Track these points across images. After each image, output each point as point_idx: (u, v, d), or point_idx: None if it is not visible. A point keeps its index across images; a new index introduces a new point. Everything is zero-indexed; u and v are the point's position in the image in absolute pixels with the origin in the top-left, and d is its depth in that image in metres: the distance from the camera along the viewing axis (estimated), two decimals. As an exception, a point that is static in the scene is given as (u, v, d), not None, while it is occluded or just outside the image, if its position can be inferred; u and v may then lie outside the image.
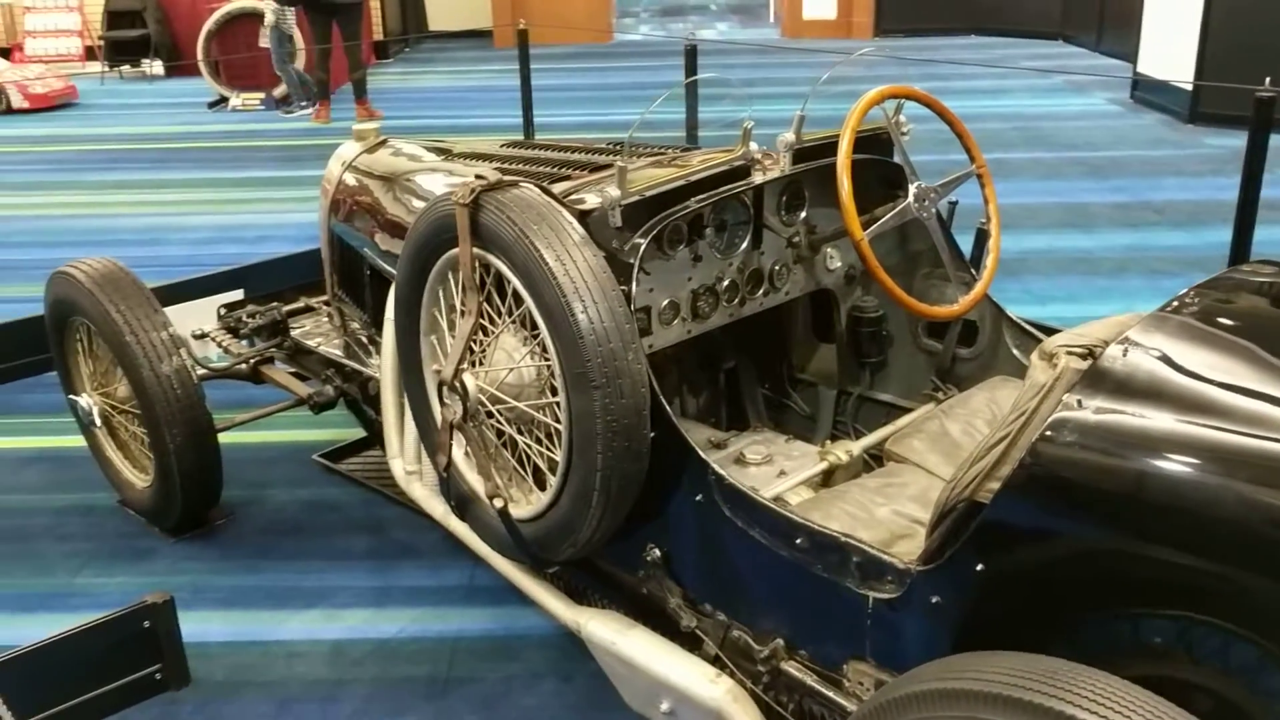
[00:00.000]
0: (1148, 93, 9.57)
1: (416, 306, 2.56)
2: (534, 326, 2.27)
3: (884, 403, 3.09)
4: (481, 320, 2.38)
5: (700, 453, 2.20)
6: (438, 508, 2.88)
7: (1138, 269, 5.66)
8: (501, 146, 3.30)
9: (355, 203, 3.27)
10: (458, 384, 2.37)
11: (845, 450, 2.65)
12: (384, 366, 3.04)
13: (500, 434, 2.44)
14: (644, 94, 10.73)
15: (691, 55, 5.27)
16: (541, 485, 2.40)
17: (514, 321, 2.34)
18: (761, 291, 2.75)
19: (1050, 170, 7.63)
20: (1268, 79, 3.78)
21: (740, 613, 2.24)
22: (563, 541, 2.32)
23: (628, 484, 2.21)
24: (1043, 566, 1.72)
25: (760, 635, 2.20)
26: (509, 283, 2.30)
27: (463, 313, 2.37)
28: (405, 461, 2.98)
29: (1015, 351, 2.83)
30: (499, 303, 2.37)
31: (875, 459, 2.72)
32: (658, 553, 2.35)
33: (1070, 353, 1.77)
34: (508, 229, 2.21)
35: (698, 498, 2.21)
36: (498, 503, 2.38)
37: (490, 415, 2.40)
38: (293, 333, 3.67)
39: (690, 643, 2.34)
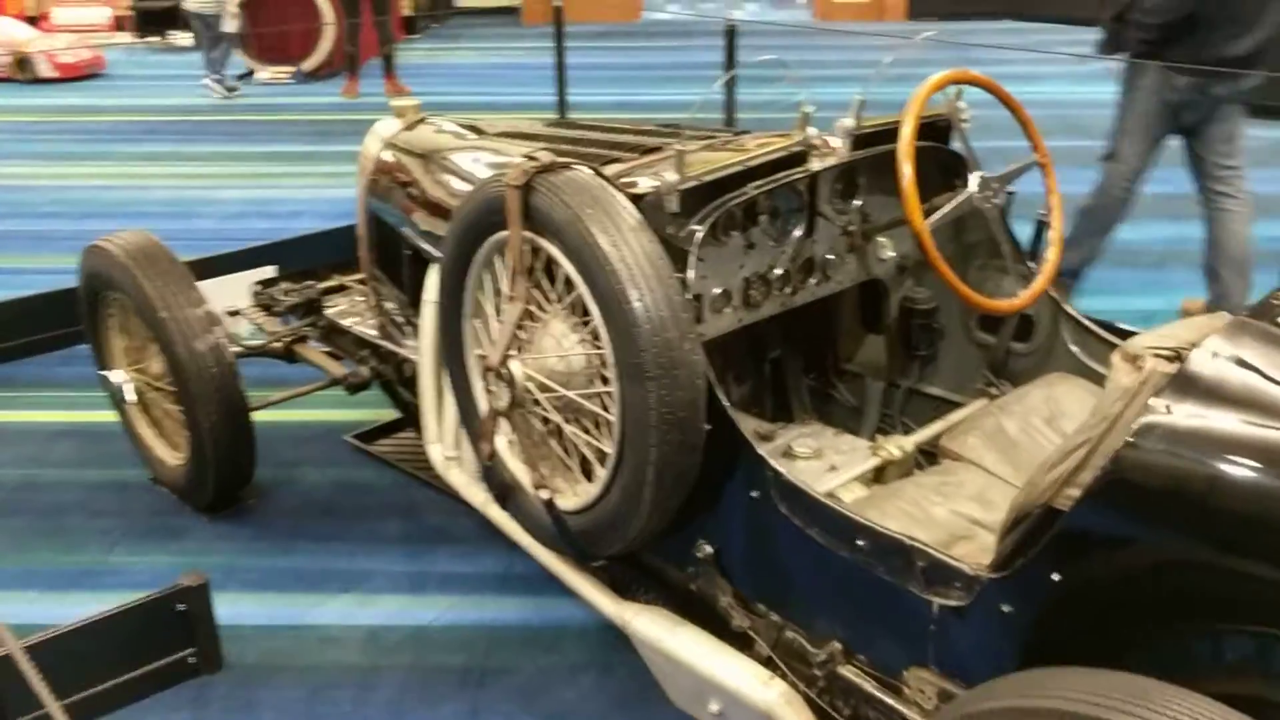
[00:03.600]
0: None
1: (460, 289, 2.50)
2: (585, 313, 2.20)
3: (933, 397, 3.02)
4: (529, 306, 2.31)
5: (757, 448, 2.13)
6: (477, 495, 2.82)
7: (1180, 261, 5.54)
8: (545, 126, 3.23)
9: (394, 181, 3.20)
10: (504, 370, 2.31)
11: (898, 445, 2.57)
12: (422, 349, 2.97)
13: (547, 422, 2.38)
14: (676, 75, 10.64)
15: (730, 36, 5.18)
16: (589, 477, 2.34)
17: (564, 308, 2.27)
18: (814, 281, 2.67)
19: (1090, 160, 7.49)
20: None
21: (795, 614, 2.18)
22: (611, 536, 2.26)
23: (681, 479, 2.14)
24: (1122, 578, 1.65)
25: (816, 638, 2.14)
26: (560, 268, 2.23)
27: (511, 297, 2.30)
28: (444, 447, 2.92)
29: (1073, 348, 2.74)
30: (548, 288, 2.30)
31: (928, 455, 2.65)
32: (709, 549, 2.28)
33: (1157, 355, 1.69)
34: (561, 212, 2.14)
35: (753, 494, 2.15)
36: (544, 494, 2.32)
37: (537, 403, 2.33)
38: (327, 311, 3.61)
39: (741, 643, 2.28)
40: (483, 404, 2.54)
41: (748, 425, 2.86)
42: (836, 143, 2.55)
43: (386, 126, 3.42)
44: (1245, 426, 1.55)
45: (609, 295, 2.07)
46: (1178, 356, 1.68)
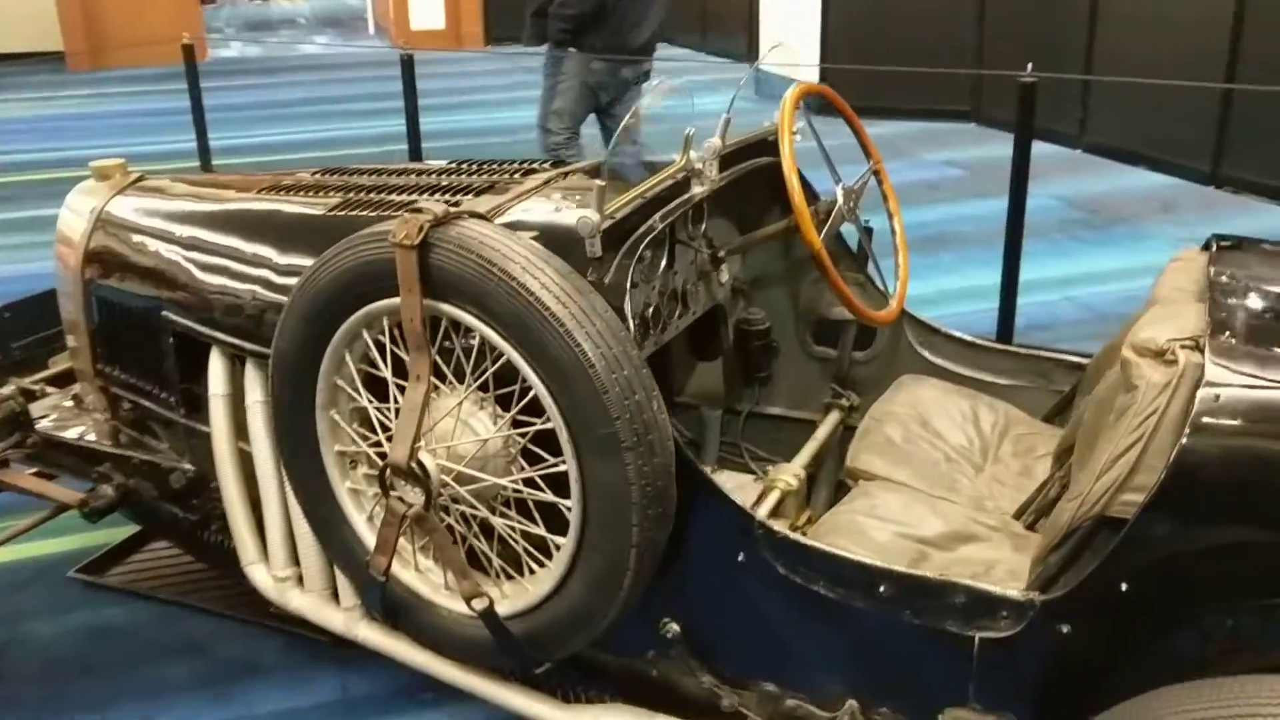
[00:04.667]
0: (775, 88, 10.11)
1: (311, 376, 2.07)
2: (500, 386, 1.89)
3: (775, 417, 2.94)
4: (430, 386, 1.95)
5: (741, 505, 1.92)
6: (334, 616, 2.36)
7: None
8: (314, 175, 2.79)
9: (135, 258, 2.62)
10: (415, 466, 1.93)
11: (793, 475, 2.45)
12: (219, 453, 2.45)
13: (466, 520, 2.02)
14: (305, 111, 10.00)
15: (409, 67, 4.84)
16: (521, 572, 2.01)
17: (463, 385, 1.94)
18: (679, 314, 2.49)
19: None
20: (1030, 64, 3.99)
21: (797, 679, 1.99)
22: (573, 634, 1.96)
23: (656, 555, 1.89)
24: (1199, 574, 1.62)
25: (826, 701, 1.96)
26: (461, 339, 1.90)
27: (415, 376, 1.93)
28: (274, 567, 2.43)
29: (921, 349, 2.77)
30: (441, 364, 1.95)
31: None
32: (676, 628, 2.04)
33: (1184, 347, 1.68)
34: (478, 272, 1.81)
35: (739, 558, 1.93)
36: (478, 604, 1.96)
37: (456, 500, 1.98)
38: (39, 425, 2.91)
39: (732, 723, 2.06)
40: (358, 513, 2.13)
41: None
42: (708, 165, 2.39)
43: (87, 194, 2.81)
44: None
45: (563, 361, 1.78)
46: (1197, 345, 1.69)
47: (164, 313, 2.55)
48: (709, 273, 2.62)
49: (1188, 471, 1.58)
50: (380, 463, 2.03)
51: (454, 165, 2.73)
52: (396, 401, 2.00)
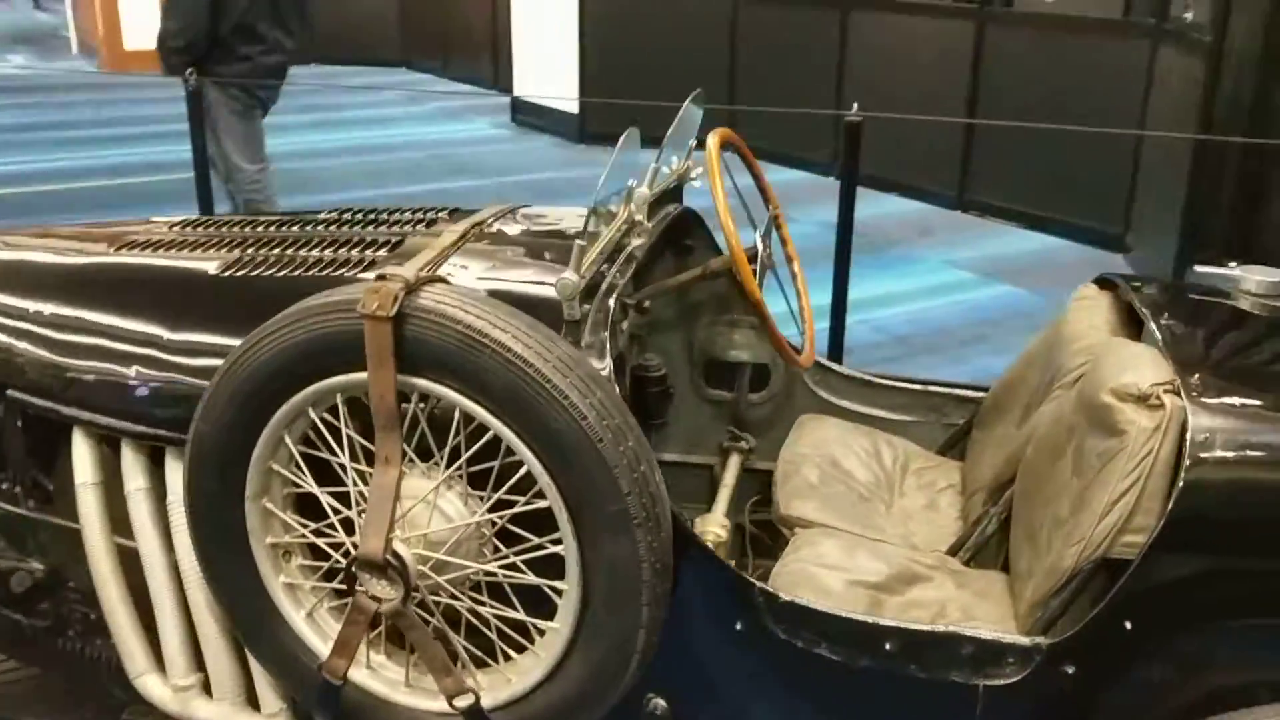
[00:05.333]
0: (530, 116, 10.10)
1: (241, 462, 1.84)
2: (473, 462, 1.75)
3: (671, 463, 2.89)
4: (400, 469, 1.77)
5: (740, 573, 1.85)
6: (250, 724, 2.11)
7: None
8: (173, 228, 2.49)
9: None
10: (390, 558, 1.74)
11: (720, 525, 2.41)
12: (94, 550, 2.14)
13: (435, 611, 1.85)
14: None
15: (196, 97, 4.45)
16: (489, 658, 1.87)
17: (431, 464, 1.78)
18: None
19: (509, 196, 7.74)
20: (855, 104, 4.13)
21: None
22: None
23: (658, 633, 1.79)
24: (1206, 610, 1.70)
25: None
26: (431, 415, 1.75)
27: (385, 460, 1.74)
28: (172, 675, 2.13)
29: (816, 388, 2.79)
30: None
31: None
32: (662, 704, 1.94)
33: (1167, 391, 1.76)
34: (465, 343, 1.66)
35: (737, 626, 1.86)
36: (462, 701, 1.80)
37: (435, 591, 1.80)
38: None
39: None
40: (295, 609, 1.91)
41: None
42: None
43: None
44: (1271, 428, 1.70)
45: (566, 436, 1.65)
46: (1175, 389, 1.78)
47: (9, 392, 2.20)
48: (618, 321, 2.54)
49: (1188, 509, 1.65)
50: (332, 553, 1.83)
51: (336, 214, 2.52)
52: (355, 485, 1.81)
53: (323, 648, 1.92)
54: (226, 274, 2.15)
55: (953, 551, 2.35)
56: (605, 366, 1.84)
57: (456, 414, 1.73)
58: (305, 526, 1.88)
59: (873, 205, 7.71)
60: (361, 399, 1.78)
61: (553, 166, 8.78)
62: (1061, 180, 6.70)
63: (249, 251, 2.24)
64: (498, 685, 1.86)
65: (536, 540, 1.75)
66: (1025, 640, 1.78)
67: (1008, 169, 7.10)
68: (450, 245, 2.17)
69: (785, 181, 8.27)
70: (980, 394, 2.69)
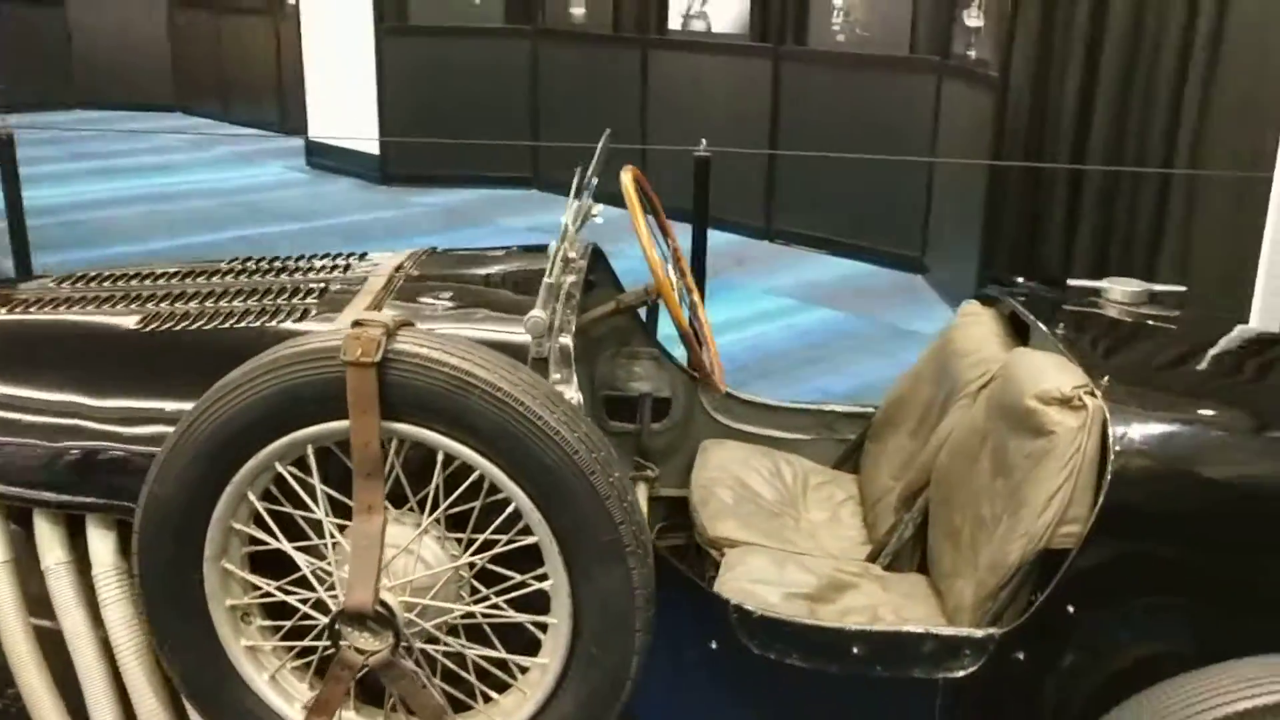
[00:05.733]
0: (327, 158, 9.89)
1: (202, 523, 1.77)
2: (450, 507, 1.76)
3: None
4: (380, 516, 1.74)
5: (714, 592, 1.91)
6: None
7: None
8: (62, 284, 2.35)
9: None
10: (379, 609, 1.71)
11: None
12: (8, 632, 2.00)
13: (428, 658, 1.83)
14: None
15: (9, 146, 4.16)
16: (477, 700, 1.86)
17: (413, 511, 1.77)
18: None
19: (316, 241, 7.56)
20: (704, 140, 4.27)
21: None
22: None
23: (647, 659, 1.83)
24: (1138, 589, 1.88)
25: None
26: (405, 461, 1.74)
27: (366, 508, 1.71)
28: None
29: (715, 414, 2.89)
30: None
31: None
32: None
33: (1087, 393, 1.94)
34: (453, 386, 1.66)
35: (711, 645, 1.92)
36: (458, 747, 1.78)
37: (425, 638, 1.78)
38: None
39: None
40: (258, 673, 1.84)
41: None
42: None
43: None
44: (1189, 424, 1.91)
45: (558, 471, 1.68)
46: (1092, 391, 1.96)
47: None
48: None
49: (1117, 498, 1.83)
50: (304, 609, 1.78)
51: (238, 263, 2.44)
52: (329, 537, 1.77)
53: (289, 711, 1.86)
54: (150, 329, 2.06)
55: (872, 558, 2.48)
56: (576, 399, 1.87)
57: (439, 458, 1.72)
58: (268, 584, 1.82)
59: (686, 237, 7.97)
60: (330, 449, 1.75)
61: (356, 209, 8.64)
62: (862, 208, 7.12)
63: (164, 306, 2.15)
64: (489, 723, 1.85)
65: (521, 578, 1.76)
66: (979, 633, 1.91)
67: (811, 199, 7.48)
68: (382, 290, 2.16)
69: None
70: (869, 410, 2.86)
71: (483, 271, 2.38)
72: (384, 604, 1.72)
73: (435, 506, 1.75)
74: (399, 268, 2.31)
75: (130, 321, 2.09)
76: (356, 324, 1.68)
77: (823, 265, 7.26)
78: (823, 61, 7.43)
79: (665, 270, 2.56)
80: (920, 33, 6.96)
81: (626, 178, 2.44)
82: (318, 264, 2.44)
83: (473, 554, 1.77)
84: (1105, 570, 1.87)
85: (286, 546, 1.78)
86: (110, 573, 1.97)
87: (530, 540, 1.73)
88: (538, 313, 1.85)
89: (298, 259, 2.46)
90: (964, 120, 6.32)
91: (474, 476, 1.72)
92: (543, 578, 1.75)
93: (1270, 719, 1.62)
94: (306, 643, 1.83)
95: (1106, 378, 1.97)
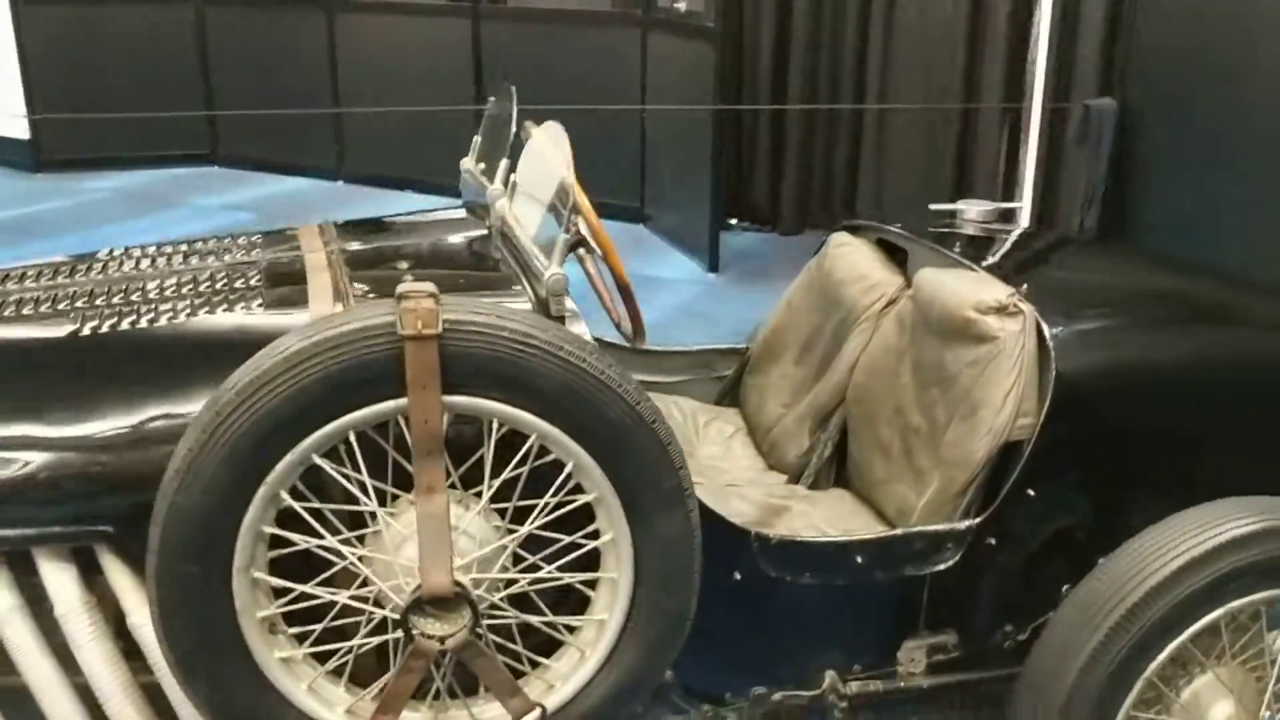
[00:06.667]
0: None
1: (231, 533, 1.63)
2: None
3: None
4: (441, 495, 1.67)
5: (734, 523, 1.98)
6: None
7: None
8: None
9: None
10: (458, 588, 1.64)
11: None
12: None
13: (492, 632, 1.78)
14: None
15: None
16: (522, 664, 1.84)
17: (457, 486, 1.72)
18: None
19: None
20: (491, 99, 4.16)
21: (783, 674, 2.09)
22: (630, 703, 1.85)
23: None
24: (1087, 468, 2.14)
25: (808, 682, 2.11)
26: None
27: (426, 488, 1.63)
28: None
29: None
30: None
31: None
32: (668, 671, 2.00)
33: (1020, 300, 2.17)
34: (517, 350, 1.63)
35: (735, 576, 1.99)
36: (533, 716, 1.75)
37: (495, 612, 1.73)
38: None
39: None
40: (296, 684, 1.72)
41: None
42: None
43: None
44: (1106, 316, 2.18)
45: (622, 422, 1.69)
46: (1023, 297, 2.19)
47: None
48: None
49: (1063, 389, 2.07)
50: (365, 607, 1.69)
51: (121, 254, 2.19)
52: (365, 526, 1.68)
53: (332, 718, 1.75)
54: (86, 338, 1.83)
55: (794, 480, 2.63)
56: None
57: (492, 426, 1.67)
58: (306, 588, 1.70)
59: (386, 203, 7.74)
60: (367, 432, 1.66)
61: (14, 202, 7.72)
62: (581, 163, 7.22)
63: (81, 305, 1.91)
64: (548, 692, 1.82)
65: (572, 538, 1.75)
66: (960, 525, 2.11)
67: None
68: (330, 268, 2.03)
69: (289, 193, 8.04)
70: (741, 347, 3.00)
71: (417, 241, 2.29)
72: (457, 583, 1.66)
73: (485, 478, 1.70)
74: (326, 244, 2.18)
75: (57, 328, 1.85)
76: (400, 297, 1.59)
77: (547, 224, 7.31)
78: (525, 19, 7.46)
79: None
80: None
81: (535, 131, 2.40)
82: (206, 248, 2.24)
83: (529, 522, 1.73)
84: (1058, 453, 2.11)
85: (333, 541, 1.67)
86: (78, 610, 1.76)
87: (586, 498, 1.73)
88: (556, 269, 1.83)
89: (177, 244, 2.24)
90: (675, 72, 6.57)
91: (530, 442, 1.68)
92: (593, 535, 1.76)
93: (1235, 551, 1.90)
94: (360, 640, 1.72)
95: (1025, 284, 2.21)
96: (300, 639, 1.74)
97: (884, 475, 2.42)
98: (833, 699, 2.12)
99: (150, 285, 1.99)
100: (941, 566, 2.10)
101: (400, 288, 1.62)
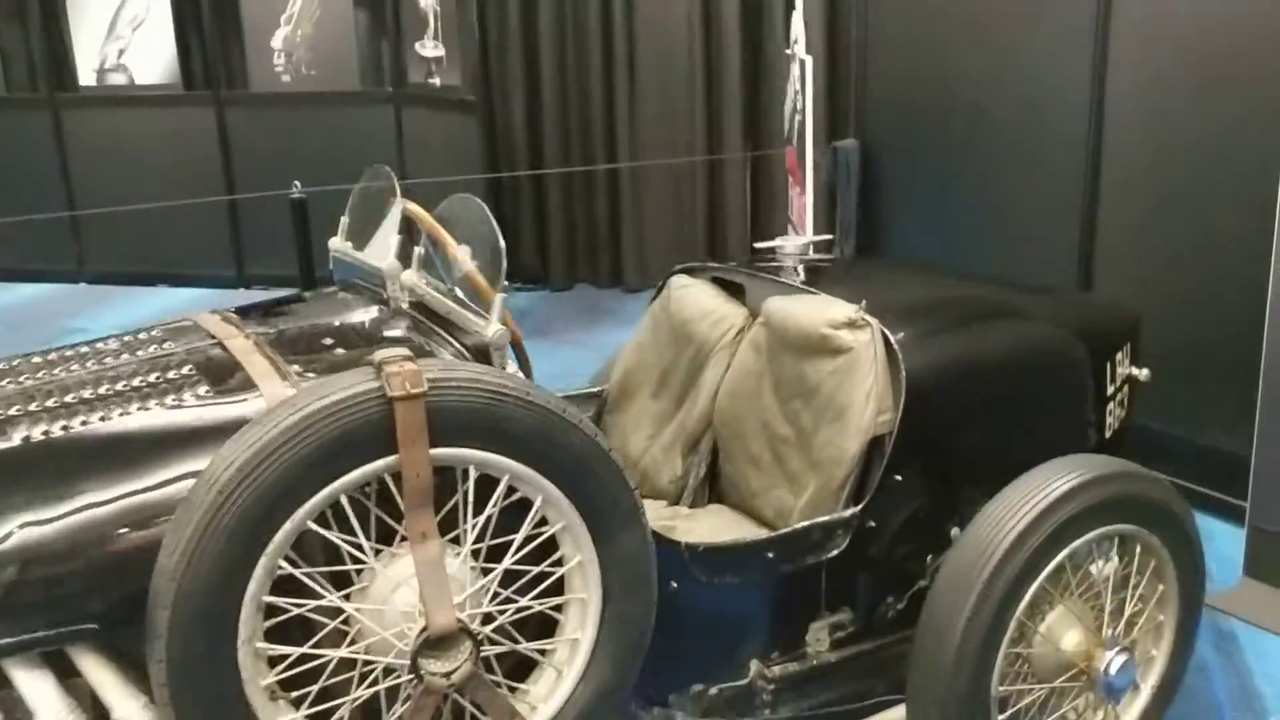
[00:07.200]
0: None
1: (235, 604, 1.70)
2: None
3: None
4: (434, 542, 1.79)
5: (667, 537, 2.19)
6: None
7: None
8: None
9: None
10: (461, 625, 1.78)
11: None
12: None
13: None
14: None
15: None
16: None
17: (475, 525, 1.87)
18: None
19: None
20: (296, 183, 4.19)
21: (714, 669, 2.31)
22: (607, 709, 2.02)
23: None
24: (944, 448, 2.50)
25: (736, 674, 2.33)
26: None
27: (420, 535, 1.77)
28: None
29: None
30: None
31: None
32: None
33: (862, 314, 2.50)
34: (491, 402, 1.80)
35: (672, 585, 2.19)
36: (529, 740, 1.90)
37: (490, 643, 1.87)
38: None
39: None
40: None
41: None
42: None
43: None
44: (930, 316, 2.57)
45: (587, 455, 1.88)
46: (865, 319, 2.52)
47: None
48: None
49: (915, 387, 2.42)
50: (344, 651, 1.79)
51: (70, 352, 2.18)
52: (350, 583, 1.79)
53: (333, 773, 1.83)
54: (24, 445, 1.84)
55: (674, 502, 2.87)
56: None
57: (468, 474, 1.82)
58: (303, 650, 1.78)
59: (156, 300, 7.48)
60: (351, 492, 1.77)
61: None
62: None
63: (14, 412, 1.91)
64: (532, 714, 1.97)
65: (539, 568, 1.92)
66: (847, 513, 2.40)
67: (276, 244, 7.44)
68: (259, 351, 2.11)
69: (26, 300, 7.60)
70: (596, 390, 3.22)
71: (328, 320, 2.37)
72: (461, 623, 1.79)
73: (465, 520, 1.84)
74: (242, 330, 2.24)
75: (6, 437, 1.84)
76: (378, 364, 1.73)
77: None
78: (272, 104, 7.41)
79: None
80: (372, 67, 7.26)
81: (414, 207, 2.55)
82: (106, 348, 2.24)
83: (507, 557, 1.88)
84: (915, 441, 2.45)
85: (336, 598, 1.76)
86: (64, 718, 1.77)
87: (554, 529, 1.90)
88: (498, 326, 2.00)
89: (63, 350, 2.22)
90: (436, 144, 6.75)
91: (503, 484, 1.85)
92: (559, 563, 1.93)
93: (1067, 503, 2.28)
94: (357, 693, 1.81)
95: (863, 301, 2.56)
96: (296, 703, 1.82)
97: (759, 485, 2.70)
98: (760, 684, 2.36)
99: (79, 386, 2.01)
100: (835, 552, 2.39)
101: (378, 356, 1.75)
